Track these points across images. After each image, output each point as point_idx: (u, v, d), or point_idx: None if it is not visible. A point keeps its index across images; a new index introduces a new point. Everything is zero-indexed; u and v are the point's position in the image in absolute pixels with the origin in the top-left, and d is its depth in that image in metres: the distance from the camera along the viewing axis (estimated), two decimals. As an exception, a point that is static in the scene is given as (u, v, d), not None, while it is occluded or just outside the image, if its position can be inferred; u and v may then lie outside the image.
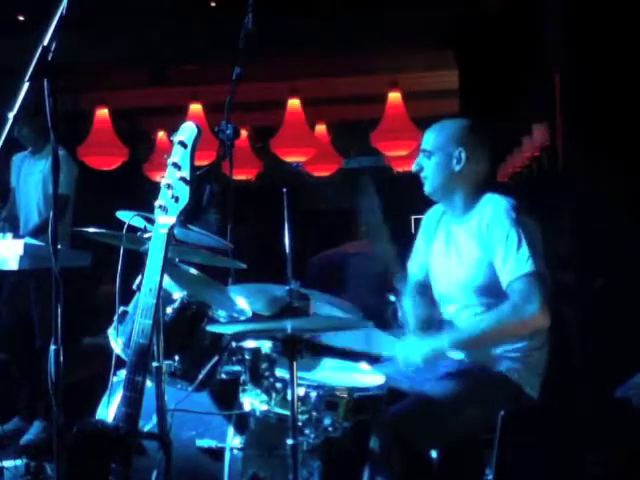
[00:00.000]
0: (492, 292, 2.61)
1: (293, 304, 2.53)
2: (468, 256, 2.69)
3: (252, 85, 5.11)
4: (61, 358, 2.07)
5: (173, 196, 2.06)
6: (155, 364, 2.25)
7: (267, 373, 2.61)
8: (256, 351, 2.64)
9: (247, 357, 2.66)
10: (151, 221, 2.22)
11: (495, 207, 2.64)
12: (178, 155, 2.07)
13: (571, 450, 3.42)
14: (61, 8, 2.07)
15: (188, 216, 2.17)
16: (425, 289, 2.90)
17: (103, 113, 7.31)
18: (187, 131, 2.09)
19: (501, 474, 2.50)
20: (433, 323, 2.81)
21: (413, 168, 2.79)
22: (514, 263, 2.53)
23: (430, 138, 2.77)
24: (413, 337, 2.69)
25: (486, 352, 2.65)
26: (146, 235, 2.60)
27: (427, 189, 2.78)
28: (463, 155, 2.70)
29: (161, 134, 8.35)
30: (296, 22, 5.80)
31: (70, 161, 4.54)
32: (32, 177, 4.58)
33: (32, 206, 4.57)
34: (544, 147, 5.07)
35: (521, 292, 2.50)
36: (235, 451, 2.52)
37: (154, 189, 2.12)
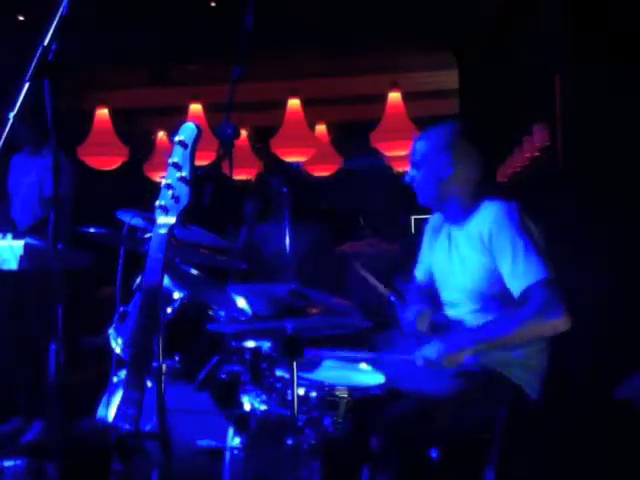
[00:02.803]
0: (496, 298, 2.60)
1: (294, 304, 2.53)
2: (470, 262, 2.67)
3: (252, 85, 5.11)
4: (61, 358, 2.07)
5: (173, 196, 2.06)
6: (155, 364, 2.24)
7: (267, 373, 2.61)
8: (256, 351, 2.65)
9: (247, 357, 2.66)
10: (151, 221, 2.22)
11: (496, 212, 2.60)
12: (178, 155, 2.07)
13: (571, 450, 3.42)
14: (61, 8, 2.07)
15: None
16: (430, 294, 2.88)
17: (103, 113, 7.30)
18: (187, 131, 2.09)
19: (501, 474, 2.50)
20: (437, 326, 2.80)
21: (406, 181, 2.77)
22: (526, 269, 2.49)
23: (417, 148, 2.74)
24: (435, 339, 2.63)
25: (487, 353, 2.65)
26: (146, 235, 2.61)
27: (421, 200, 2.77)
28: (451, 161, 2.67)
29: (161, 134, 8.35)
30: (296, 22, 5.80)
31: (67, 162, 4.53)
32: (27, 177, 4.58)
33: (26, 206, 4.57)
34: (544, 147, 5.06)
35: (543, 298, 2.46)
36: (235, 451, 2.52)
37: (154, 189, 2.12)
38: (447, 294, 2.81)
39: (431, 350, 2.55)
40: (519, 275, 2.51)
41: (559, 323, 2.48)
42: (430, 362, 2.54)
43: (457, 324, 2.73)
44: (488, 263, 2.60)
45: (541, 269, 2.49)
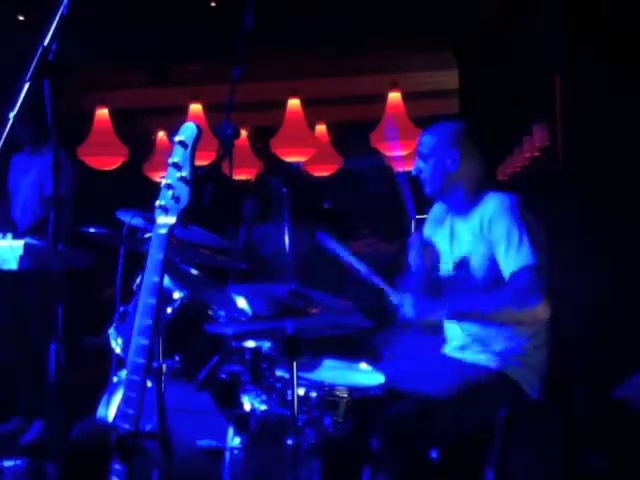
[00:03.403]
0: (495, 287, 2.62)
1: (294, 304, 2.53)
2: (473, 254, 2.71)
3: (252, 85, 5.11)
4: (61, 358, 2.07)
5: (173, 196, 2.06)
6: (155, 364, 2.25)
7: (267, 373, 2.61)
8: (256, 351, 2.65)
9: (247, 357, 2.66)
10: (151, 221, 2.22)
11: (497, 204, 2.67)
12: (178, 155, 2.07)
13: (571, 450, 3.42)
14: (61, 8, 2.07)
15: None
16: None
17: (103, 113, 7.30)
18: (187, 131, 2.09)
19: (501, 474, 2.50)
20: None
21: (412, 171, 2.84)
22: (516, 255, 2.56)
23: (426, 141, 2.82)
24: (418, 295, 2.70)
25: (486, 352, 2.66)
26: (146, 235, 2.61)
27: (427, 191, 2.84)
28: (457, 157, 2.75)
29: (161, 134, 8.34)
30: (296, 22, 5.80)
31: (67, 162, 4.53)
32: (28, 176, 4.58)
33: (26, 206, 4.57)
34: (544, 147, 5.06)
35: (524, 283, 2.53)
36: (235, 451, 2.52)
37: (154, 189, 2.12)
38: (447, 284, 2.83)
39: (408, 304, 2.63)
40: (510, 260, 2.58)
41: (536, 310, 2.54)
42: (406, 313, 2.63)
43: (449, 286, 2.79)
44: (486, 252, 2.66)
45: (530, 256, 2.55)
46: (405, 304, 2.63)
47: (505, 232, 2.60)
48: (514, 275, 2.56)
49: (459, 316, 2.68)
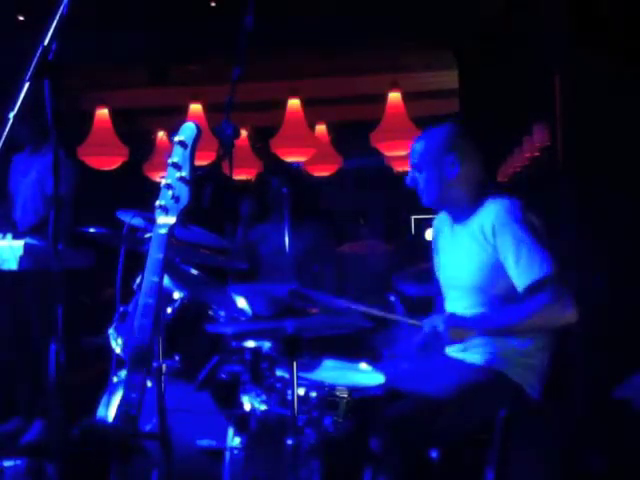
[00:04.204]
0: (496, 293, 2.61)
1: (294, 304, 2.53)
2: (471, 257, 2.67)
3: (252, 85, 5.11)
4: (61, 358, 2.07)
5: (173, 196, 2.06)
6: (155, 364, 2.25)
7: (267, 373, 2.61)
8: (256, 351, 2.65)
9: (247, 357, 2.66)
10: (151, 221, 2.22)
11: (499, 209, 2.61)
12: (178, 155, 2.08)
13: (571, 450, 3.42)
14: (61, 8, 2.07)
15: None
16: None
17: (103, 113, 7.30)
18: (187, 131, 2.09)
19: (501, 474, 2.50)
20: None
21: (408, 184, 2.77)
22: (531, 264, 2.50)
23: (418, 151, 2.73)
24: (449, 317, 2.61)
25: (487, 352, 2.66)
26: (146, 235, 2.61)
27: (425, 202, 2.76)
28: (456, 160, 2.68)
29: (161, 134, 8.35)
30: (296, 22, 5.80)
31: (67, 161, 4.53)
32: (28, 176, 4.58)
33: (27, 206, 4.57)
34: (544, 147, 5.07)
35: (552, 293, 2.47)
36: (235, 451, 2.52)
37: (154, 189, 2.12)
38: (448, 289, 2.82)
39: (439, 320, 2.54)
40: (523, 270, 2.52)
41: (569, 316, 2.50)
42: (436, 331, 2.53)
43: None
44: (488, 258, 2.61)
45: (546, 264, 2.49)
46: (440, 320, 2.54)
47: (512, 240, 2.53)
48: (535, 286, 2.49)
49: (491, 332, 2.59)
